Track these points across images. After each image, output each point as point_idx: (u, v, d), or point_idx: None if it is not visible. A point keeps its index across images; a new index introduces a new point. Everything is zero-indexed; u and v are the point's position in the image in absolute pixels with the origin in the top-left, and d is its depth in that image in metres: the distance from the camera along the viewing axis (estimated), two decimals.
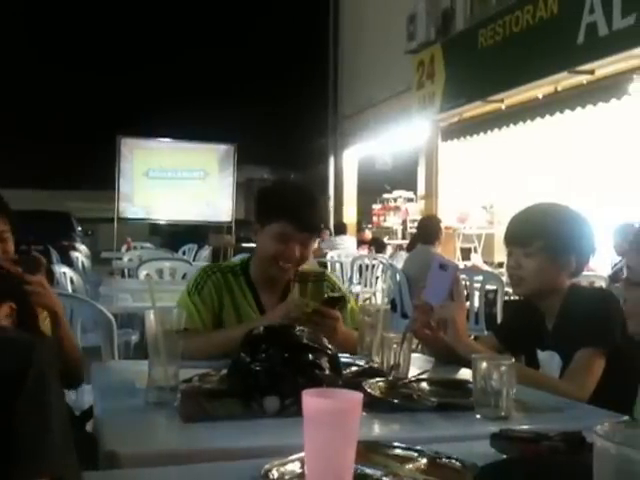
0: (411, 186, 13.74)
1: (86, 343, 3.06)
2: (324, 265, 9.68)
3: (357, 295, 8.48)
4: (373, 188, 15.47)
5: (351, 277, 8.85)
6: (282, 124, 23.22)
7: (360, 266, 8.95)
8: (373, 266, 8.90)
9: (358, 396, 1.02)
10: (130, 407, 1.50)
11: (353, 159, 15.52)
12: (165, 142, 16.07)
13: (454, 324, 1.92)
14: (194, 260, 10.12)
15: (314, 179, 19.04)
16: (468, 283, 5.47)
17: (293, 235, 2.20)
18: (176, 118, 18.71)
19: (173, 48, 28.17)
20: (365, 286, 8.89)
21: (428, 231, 6.36)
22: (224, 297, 2.26)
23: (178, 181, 15.70)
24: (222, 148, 16.11)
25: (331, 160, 16.77)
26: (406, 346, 1.87)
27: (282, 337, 1.51)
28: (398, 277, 6.34)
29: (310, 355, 1.48)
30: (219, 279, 2.28)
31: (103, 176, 17.33)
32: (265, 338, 1.51)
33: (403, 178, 14.23)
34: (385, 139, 12.82)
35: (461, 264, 7.61)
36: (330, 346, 1.56)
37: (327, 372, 1.49)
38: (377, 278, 8.94)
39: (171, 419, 1.43)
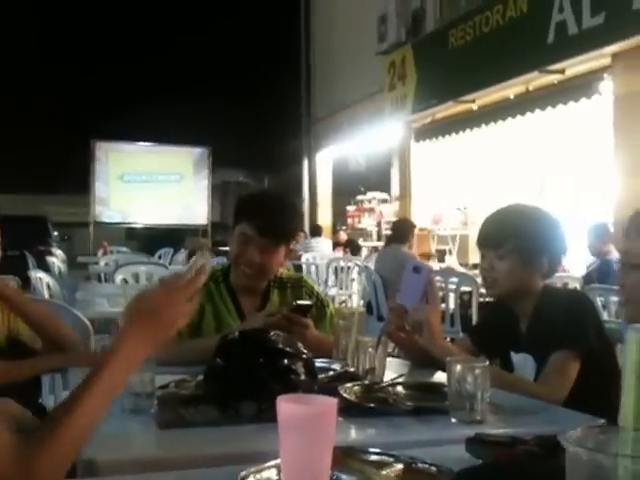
0: (385, 187, 13.80)
1: None
2: (299, 267, 9.70)
3: (333, 298, 8.51)
4: (347, 190, 15.52)
5: (326, 279, 8.87)
6: (257, 126, 23.20)
7: (335, 268, 8.98)
8: (348, 268, 8.93)
9: (332, 401, 1.03)
10: (107, 415, 1.50)
11: (327, 161, 15.55)
12: (140, 145, 16.03)
13: (429, 326, 1.93)
14: (170, 264, 10.08)
15: (289, 181, 19.04)
16: (443, 285, 5.52)
17: (253, 238, 2.20)
18: (150, 121, 18.60)
19: (146, 50, 27.97)
20: (341, 288, 8.92)
21: (400, 231, 6.43)
22: (205, 305, 2.24)
23: (154, 184, 15.66)
24: (197, 151, 16.13)
25: (305, 162, 16.78)
26: (381, 350, 1.88)
27: (257, 342, 1.52)
28: (373, 279, 6.37)
29: (285, 360, 1.49)
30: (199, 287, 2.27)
31: (79, 180, 17.20)
32: (240, 343, 1.52)
33: (377, 179, 14.28)
34: (358, 141, 12.87)
35: (436, 266, 7.65)
36: (305, 351, 1.57)
37: (302, 377, 1.50)
38: (352, 280, 8.97)
39: (148, 426, 1.44)
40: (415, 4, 10.46)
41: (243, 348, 1.49)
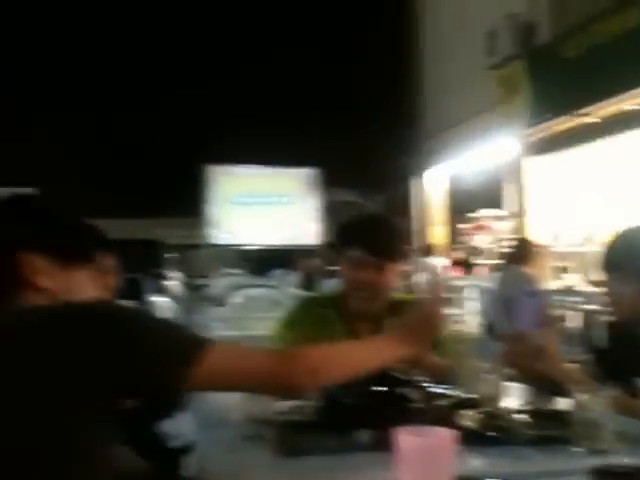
0: (499, 204, 13.50)
1: None
2: (410, 288, 9.61)
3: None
4: (459, 207, 15.28)
5: None
6: (365, 145, 23.27)
7: (451, 287, 8.84)
8: (463, 287, 8.77)
9: (451, 434, 1.01)
10: (228, 441, 1.54)
11: (438, 178, 15.40)
12: (250, 168, 16.46)
13: (547, 351, 1.87)
14: (283, 284, 10.25)
15: (399, 200, 18.98)
16: (563, 304, 5.32)
17: (366, 260, 2.17)
18: (260, 144, 19.03)
19: (255, 74, 28.80)
20: (456, 308, 8.76)
21: (520, 252, 6.20)
22: (321, 332, 2.20)
23: (264, 206, 16.04)
24: (306, 172, 16.40)
25: (415, 180, 16.70)
26: (499, 375, 1.83)
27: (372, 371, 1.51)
28: (490, 299, 6.22)
29: (401, 389, 1.48)
30: (316, 314, 2.26)
31: (191, 203, 17.85)
32: None
33: (490, 196, 13.97)
34: (470, 156, 12.68)
35: (555, 285, 7.37)
36: (422, 378, 1.55)
37: (419, 405, 1.49)
38: (467, 300, 8.80)
39: (267, 454, 1.46)
40: (525, 17, 10.25)
41: (359, 378, 1.49)
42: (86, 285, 1.33)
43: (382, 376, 1.51)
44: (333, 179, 18.45)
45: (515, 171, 11.19)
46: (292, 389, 1.30)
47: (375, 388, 1.49)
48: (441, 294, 1.63)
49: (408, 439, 0.99)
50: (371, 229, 2.26)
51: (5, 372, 1.10)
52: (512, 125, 10.25)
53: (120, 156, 28.01)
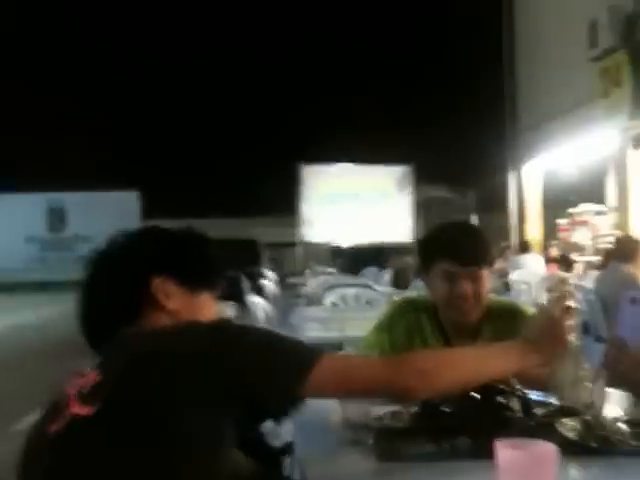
0: (599, 199, 13.03)
1: None
2: (507, 285, 9.42)
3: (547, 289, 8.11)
4: (558, 202, 14.85)
5: (538, 298, 8.52)
6: (459, 140, 22.99)
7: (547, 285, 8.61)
8: None
9: (552, 448, 1.02)
10: (328, 445, 1.58)
11: (535, 173, 15.00)
12: (343, 166, 16.55)
13: None
14: (376, 282, 10.26)
15: (494, 195, 18.62)
16: None
17: (459, 271, 2.12)
18: (353, 142, 19.11)
19: (347, 77, 28.88)
20: None
21: (624, 249, 5.96)
22: (415, 339, 2.21)
23: (357, 204, 16.08)
24: (399, 170, 16.34)
25: (511, 175, 16.32)
26: (600, 383, 1.79)
27: None
28: (590, 298, 6.03)
29: (500, 397, 1.48)
30: (411, 319, 2.23)
31: (285, 202, 18.11)
32: None
33: (590, 190, 13.54)
34: (568, 150, 12.29)
35: None
36: (519, 387, 1.54)
37: (518, 414, 1.48)
38: None
39: (366, 458, 1.49)
40: (628, 8, 9.87)
41: None
42: (207, 308, 1.45)
43: (480, 385, 1.51)
44: (426, 175, 18.31)
45: (617, 164, 10.79)
46: (403, 393, 1.33)
47: (474, 395, 1.49)
48: (567, 304, 1.60)
49: (508, 452, 1.00)
50: (457, 239, 2.20)
51: (148, 388, 1.19)
52: (614, 118, 9.90)
53: (217, 157, 28.74)
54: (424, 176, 18.16)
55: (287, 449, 2.08)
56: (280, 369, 1.25)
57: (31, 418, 4.46)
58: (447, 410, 1.49)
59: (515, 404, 1.49)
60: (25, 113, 27.21)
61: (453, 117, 24.09)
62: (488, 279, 2.18)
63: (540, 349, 1.51)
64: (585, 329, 6.18)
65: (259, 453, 2.00)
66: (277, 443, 2.42)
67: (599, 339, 5.83)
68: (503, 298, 2.63)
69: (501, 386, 1.51)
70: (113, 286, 1.40)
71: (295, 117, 28.30)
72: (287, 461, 2.03)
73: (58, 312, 14.83)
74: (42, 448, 1.23)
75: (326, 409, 1.76)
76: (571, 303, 1.63)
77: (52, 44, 28.89)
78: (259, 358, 1.24)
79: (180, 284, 1.41)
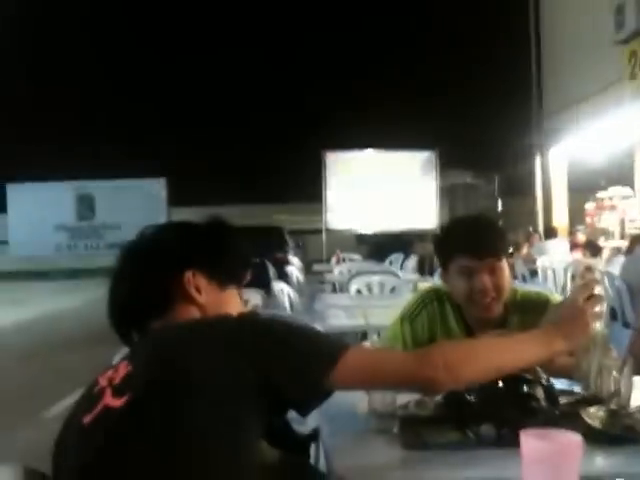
0: (627, 182, 12.87)
1: None
2: (534, 272, 9.37)
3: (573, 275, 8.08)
4: (585, 186, 14.71)
5: (564, 284, 8.47)
6: (484, 125, 22.78)
7: (574, 271, 8.53)
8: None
9: (577, 439, 1.03)
10: (354, 434, 1.60)
11: (561, 157, 14.84)
12: (367, 153, 16.49)
13: None
14: (401, 269, 10.26)
15: (520, 180, 18.46)
16: None
17: (475, 266, 2.10)
18: (377, 128, 19.05)
19: (368, 59, 28.76)
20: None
21: None
22: (437, 329, 2.21)
23: (382, 190, 16.03)
24: (423, 155, 16.22)
25: (537, 159, 16.16)
26: (627, 371, 1.79)
27: None
28: (617, 285, 5.98)
29: (525, 386, 1.49)
30: (435, 309, 2.23)
31: (310, 188, 18.11)
32: None
33: (618, 174, 13.37)
34: (595, 134, 12.14)
35: None
36: (545, 376, 1.55)
37: (543, 403, 1.49)
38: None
39: (392, 446, 1.51)
40: None
41: None
42: (234, 303, 1.49)
43: (505, 374, 1.52)
44: (451, 161, 18.17)
45: None
46: (429, 385, 1.35)
47: (498, 384, 1.50)
48: (593, 291, 1.60)
49: (533, 443, 1.01)
50: (471, 233, 2.18)
51: (174, 380, 1.22)
52: None
53: (243, 145, 28.85)
54: (449, 162, 18.02)
55: (313, 436, 2.10)
56: (306, 363, 1.27)
57: (62, 406, 4.54)
58: (471, 399, 1.50)
59: (540, 393, 1.50)
60: (53, 102, 27.48)
61: (478, 102, 23.87)
62: (507, 269, 2.16)
63: (565, 336, 1.51)
64: (612, 315, 6.14)
65: (285, 441, 2.03)
66: (303, 430, 2.45)
67: (626, 325, 5.79)
68: (530, 288, 2.60)
69: (526, 375, 1.52)
70: (146, 278, 1.43)
71: (319, 103, 28.25)
72: (313, 448, 2.07)
73: (89, 299, 15.10)
74: (76, 438, 1.26)
75: (352, 398, 1.78)
76: (597, 291, 1.63)
77: (78, 33, 29.12)
78: (285, 352, 1.27)
79: (210, 279, 1.45)
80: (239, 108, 29.84)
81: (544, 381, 1.53)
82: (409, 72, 27.20)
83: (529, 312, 2.14)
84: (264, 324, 1.34)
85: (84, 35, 29.27)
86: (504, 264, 2.14)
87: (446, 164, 17.71)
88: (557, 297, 2.28)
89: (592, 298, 1.59)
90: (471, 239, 2.14)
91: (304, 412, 1.35)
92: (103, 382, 1.29)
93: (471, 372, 1.38)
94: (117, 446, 1.19)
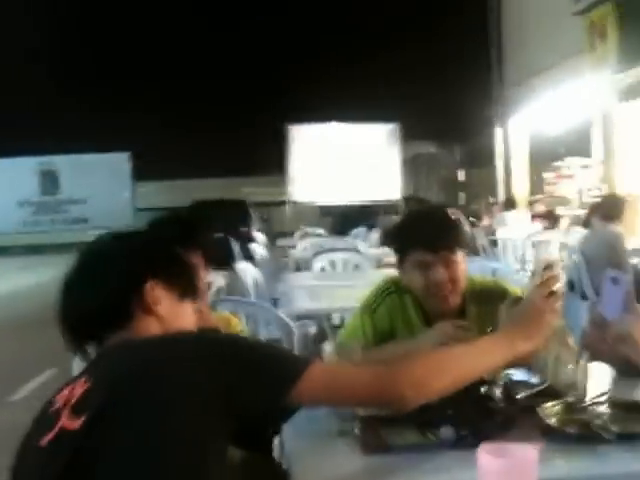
0: (585, 152, 13.04)
1: (267, 336, 3.29)
2: (494, 243, 9.48)
3: (533, 272, 8.22)
4: (544, 156, 14.85)
5: (524, 254, 8.59)
6: (445, 96, 22.82)
7: (533, 242, 8.67)
8: (548, 241, 8.58)
9: (533, 455, 1.04)
10: (314, 436, 1.60)
11: (522, 128, 14.95)
12: (331, 126, 16.45)
13: (632, 339, 1.85)
14: (365, 243, 10.28)
15: (480, 151, 18.59)
16: None
17: (431, 259, 2.12)
18: (339, 101, 18.96)
19: (328, 31, 28.50)
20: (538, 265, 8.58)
21: (610, 209, 5.96)
22: (397, 320, 2.22)
23: (345, 163, 16.03)
24: (386, 128, 16.26)
25: (498, 130, 16.27)
26: (583, 363, 1.82)
27: None
28: (575, 258, 6.08)
29: (482, 388, 1.51)
30: (394, 300, 2.23)
31: (274, 161, 18.04)
32: None
33: (576, 144, 13.53)
34: (555, 104, 12.23)
35: None
36: (502, 377, 1.57)
37: (500, 404, 1.51)
38: (551, 254, 8.59)
39: (353, 450, 1.52)
40: None
41: None
42: (190, 316, 1.47)
43: None
44: (413, 132, 18.23)
45: (604, 117, 10.76)
46: (396, 402, 1.34)
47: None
48: (554, 287, 1.61)
49: (490, 461, 1.02)
50: (425, 227, 2.20)
51: (133, 401, 1.20)
52: (600, 71, 9.84)
53: (206, 120, 28.50)
54: (411, 133, 18.09)
55: (276, 432, 2.11)
56: (268, 380, 1.26)
57: (28, 389, 4.48)
58: (430, 403, 1.51)
59: (497, 393, 1.52)
60: (15, 77, 26.79)
61: (439, 74, 23.88)
62: (463, 262, 2.17)
63: (527, 337, 1.52)
64: (571, 287, 6.25)
65: (248, 439, 2.02)
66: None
67: (584, 297, 5.90)
68: (487, 277, 2.62)
69: (484, 377, 1.53)
70: (104, 289, 1.38)
71: (281, 76, 28.00)
72: (276, 444, 2.07)
73: (54, 276, 14.82)
74: (34, 462, 1.23)
75: None
76: (556, 287, 1.64)
77: (40, 5, 28.33)
78: (247, 370, 1.25)
79: (169, 290, 1.42)
80: (202, 81, 29.45)
81: (501, 380, 1.55)
82: (371, 46, 27.04)
83: (486, 302, 2.17)
84: (226, 342, 1.34)
85: (46, 7, 28.47)
86: (460, 257, 2.16)
87: (409, 135, 17.77)
88: (514, 288, 2.30)
89: (552, 296, 1.60)
90: (425, 233, 2.16)
91: (270, 429, 1.34)
92: (59, 402, 1.26)
93: (438, 386, 1.37)
94: (76, 470, 1.17)
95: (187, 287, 1.47)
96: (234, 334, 1.75)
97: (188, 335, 1.36)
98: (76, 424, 1.19)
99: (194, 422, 1.19)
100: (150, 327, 1.37)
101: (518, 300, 1.80)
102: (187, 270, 1.50)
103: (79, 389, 1.24)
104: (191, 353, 1.26)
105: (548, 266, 1.71)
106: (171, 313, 1.41)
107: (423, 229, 2.20)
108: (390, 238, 2.38)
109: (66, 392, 1.27)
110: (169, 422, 1.18)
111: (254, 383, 1.24)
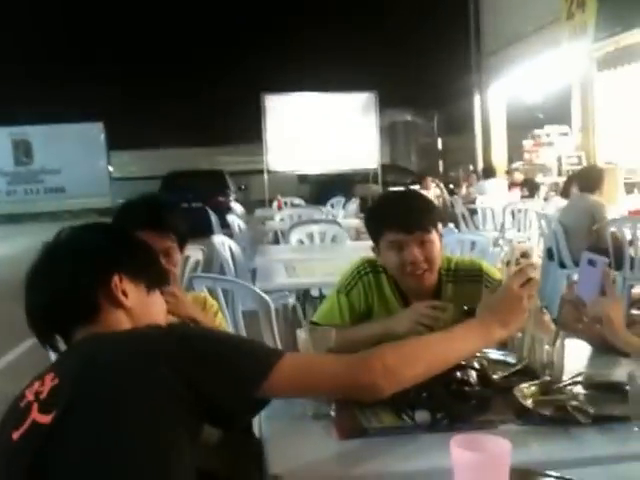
0: (564, 120, 13.06)
1: (245, 308, 3.28)
2: (474, 212, 9.51)
3: (510, 241, 8.30)
4: (523, 124, 14.86)
5: (503, 223, 8.63)
6: (423, 64, 22.70)
7: (512, 211, 8.71)
8: (526, 210, 8.62)
9: (506, 446, 1.03)
10: (290, 420, 1.59)
11: (500, 95, 14.94)
12: (308, 95, 16.29)
13: (608, 320, 1.85)
14: (342, 209, 10.27)
15: (459, 119, 18.55)
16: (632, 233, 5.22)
17: (404, 239, 2.12)
18: (316, 70, 18.82)
19: (308, 4, 28.12)
20: (519, 230, 8.65)
21: (589, 179, 6.00)
22: (374, 299, 2.23)
23: (322, 132, 15.92)
24: (364, 96, 16.09)
25: (476, 98, 16.23)
26: (559, 343, 1.82)
27: None
28: (554, 227, 6.12)
29: (458, 372, 1.50)
30: (370, 280, 2.23)
31: (251, 130, 17.87)
32: None
33: (556, 112, 13.55)
34: (533, 73, 12.22)
35: (625, 206, 7.09)
36: (476, 361, 1.56)
37: (476, 388, 1.50)
38: (530, 222, 8.64)
39: (328, 434, 1.51)
40: None
41: None
42: (160, 307, 1.46)
43: None
44: (391, 100, 18.13)
45: (582, 86, 10.78)
46: (371, 391, 1.33)
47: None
48: (529, 276, 1.61)
49: (463, 454, 1.01)
50: (399, 208, 2.21)
51: (103, 397, 1.18)
52: (578, 39, 9.82)
53: (182, 89, 28.14)
54: (389, 101, 17.98)
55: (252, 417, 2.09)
56: (238, 373, 1.24)
57: (4, 361, 4.42)
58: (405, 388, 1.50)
59: (473, 377, 1.51)
60: None
61: (417, 42, 23.69)
62: (437, 241, 2.18)
63: (503, 324, 1.52)
64: (550, 256, 6.30)
65: (224, 422, 2.01)
66: None
67: (562, 265, 5.96)
68: (465, 256, 2.64)
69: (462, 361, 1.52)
70: (71, 282, 1.35)
71: (258, 45, 27.64)
72: (255, 421, 2.05)
73: (30, 245, 14.72)
74: (5, 456, 1.22)
75: None
76: (532, 274, 1.63)
77: None
78: (217, 364, 1.24)
79: (136, 282, 1.40)
80: (177, 50, 29.01)
81: (477, 366, 1.54)
82: (346, 14, 26.75)
83: (463, 281, 2.21)
84: (195, 336, 1.31)
85: None
86: (434, 236, 2.16)
87: (386, 103, 17.67)
88: (491, 268, 2.30)
89: (528, 283, 1.59)
90: (399, 214, 2.17)
91: (240, 422, 1.33)
92: (30, 396, 1.24)
93: (412, 374, 1.37)
94: (46, 465, 1.15)
95: (154, 277, 1.45)
96: (204, 328, 1.72)
97: (156, 330, 1.33)
98: (46, 419, 1.18)
99: (162, 416, 1.18)
100: (119, 320, 1.36)
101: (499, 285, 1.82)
102: (153, 260, 1.48)
103: (48, 384, 1.23)
104: (159, 348, 1.23)
105: (524, 254, 1.71)
106: (140, 305, 1.39)
107: (397, 210, 2.20)
108: (365, 220, 2.36)
109: (36, 386, 1.25)
110: (136, 417, 1.16)
111: (223, 378, 1.23)
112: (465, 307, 1.90)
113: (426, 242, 2.13)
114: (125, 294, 1.37)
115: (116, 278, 1.36)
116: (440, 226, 2.25)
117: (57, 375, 1.24)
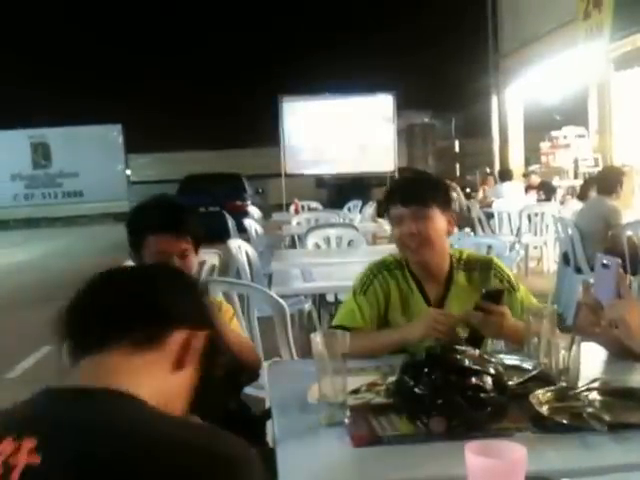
0: (582, 122, 12.96)
1: (261, 314, 3.28)
2: (490, 215, 9.46)
3: (526, 245, 8.26)
4: (540, 126, 14.76)
5: (519, 227, 8.57)
6: (441, 66, 22.65)
7: (529, 215, 8.66)
8: (543, 214, 8.56)
9: (521, 453, 1.02)
10: (305, 427, 1.59)
11: (517, 97, 14.85)
12: (325, 97, 16.31)
13: (625, 323, 1.83)
14: (359, 213, 10.26)
15: (476, 120, 18.45)
16: None
17: (402, 213, 2.21)
18: (335, 73, 18.82)
19: (328, 6, 28.17)
20: (535, 234, 8.59)
21: (606, 181, 5.93)
22: (391, 295, 2.27)
23: (340, 134, 15.92)
24: (382, 98, 16.10)
25: (493, 99, 16.15)
26: (575, 349, 1.81)
27: (444, 362, 1.53)
28: (570, 232, 6.07)
29: (473, 378, 1.49)
30: (385, 278, 2.28)
31: (269, 134, 17.91)
32: (427, 363, 1.53)
33: (572, 114, 13.45)
34: (550, 74, 12.14)
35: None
36: (492, 367, 1.55)
37: (492, 394, 1.50)
38: (547, 226, 8.58)
39: (343, 442, 1.50)
40: None
41: (430, 368, 1.51)
42: (189, 385, 1.19)
43: (453, 367, 1.51)
44: (409, 102, 18.09)
45: (599, 86, 10.69)
46: None
47: (448, 378, 1.50)
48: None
49: (478, 460, 1.00)
50: (402, 184, 2.38)
51: None
52: (594, 40, 9.74)
53: (200, 91, 28.28)
54: (407, 103, 17.94)
55: (268, 414, 2.10)
56: None
57: (23, 367, 4.46)
58: (422, 392, 1.50)
59: (488, 384, 1.50)
60: (7, 50, 26.51)
61: (435, 44, 23.65)
62: (438, 220, 2.23)
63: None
64: (565, 260, 6.25)
65: (240, 421, 2.02)
66: (259, 409, 2.46)
67: (579, 270, 5.91)
68: (482, 254, 2.68)
69: (474, 367, 1.51)
70: (174, 298, 1.17)
71: (277, 48, 27.73)
72: (268, 426, 2.06)
73: (47, 249, 14.90)
74: None
75: (303, 387, 1.77)
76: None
77: None
78: None
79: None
80: (195, 53, 29.17)
81: (492, 371, 1.53)
82: (367, 16, 26.76)
83: (474, 269, 2.29)
84: (241, 472, 1.00)
85: None
86: (433, 212, 2.22)
87: (404, 105, 17.64)
88: (500, 262, 2.37)
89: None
90: (399, 188, 2.31)
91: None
92: None
93: None
94: None
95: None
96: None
97: (194, 441, 0.99)
98: None
99: None
100: (154, 375, 1.10)
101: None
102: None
103: (24, 457, 0.94)
104: (177, 460, 0.95)
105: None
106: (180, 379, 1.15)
107: (399, 186, 2.36)
108: (378, 202, 2.53)
109: (8, 449, 0.95)
110: None
111: None
112: (484, 290, 2.01)
113: (421, 217, 2.20)
114: (186, 362, 1.13)
115: (201, 337, 1.15)
116: (450, 209, 2.31)
117: (39, 448, 0.94)
